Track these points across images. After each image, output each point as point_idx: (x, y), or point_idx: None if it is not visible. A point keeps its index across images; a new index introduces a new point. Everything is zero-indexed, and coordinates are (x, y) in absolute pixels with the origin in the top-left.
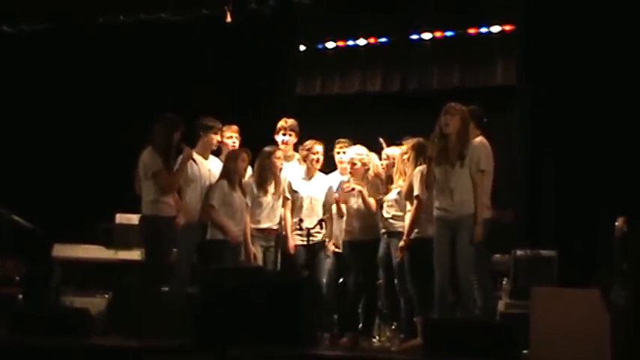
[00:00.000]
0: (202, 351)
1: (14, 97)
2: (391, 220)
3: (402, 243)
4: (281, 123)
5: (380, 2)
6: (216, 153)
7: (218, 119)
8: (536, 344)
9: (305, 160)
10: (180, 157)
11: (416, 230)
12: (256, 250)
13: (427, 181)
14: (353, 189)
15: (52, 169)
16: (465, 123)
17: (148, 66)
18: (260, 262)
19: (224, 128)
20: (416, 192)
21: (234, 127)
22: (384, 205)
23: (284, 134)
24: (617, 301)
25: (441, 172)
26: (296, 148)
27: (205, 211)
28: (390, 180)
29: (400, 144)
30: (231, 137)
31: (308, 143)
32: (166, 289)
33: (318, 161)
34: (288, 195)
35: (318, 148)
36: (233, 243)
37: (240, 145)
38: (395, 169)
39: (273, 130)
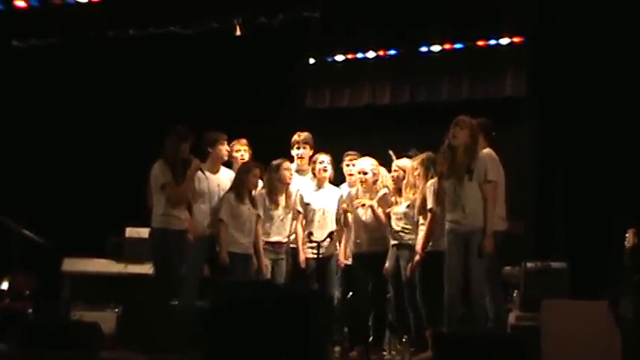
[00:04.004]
0: None
1: (24, 111)
2: (400, 233)
3: (417, 257)
4: (295, 137)
5: (389, 15)
6: (227, 166)
7: (227, 132)
8: (547, 356)
9: (314, 173)
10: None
11: (429, 243)
12: (266, 263)
13: (437, 195)
14: (364, 205)
15: (62, 183)
16: (473, 137)
17: (157, 79)
18: (269, 274)
19: (233, 142)
20: (429, 205)
21: (243, 141)
22: (393, 217)
23: (298, 148)
24: (626, 315)
25: (450, 185)
26: (310, 162)
27: (215, 225)
28: (399, 192)
29: (409, 156)
30: (239, 150)
31: (315, 156)
32: (176, 302)
33: (325, 170)
34: (300, 208)
35: (323, 157)
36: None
37: (250, 158)
38: (405, 182)
39: (284, 143)
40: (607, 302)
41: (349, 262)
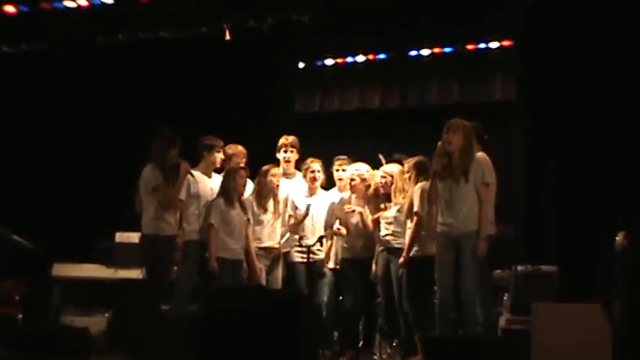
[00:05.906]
0: None
1: (13, 116)
2: (390, 238)
3: (401, 260)
4: (282, 140)
5: (378, 19)
6: (219, 171)
7: (218, 137)
8: None
9: (305, 177)
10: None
11: (416, 248)
12: (260, 267)
13: (429, 197)
14: (354, 211)
15: (52, 189)
16: (468, 139)
17: (147, 84)
18: (263, 279)
19: (229, 151)
20: (415, 208)
21: (241, 150)
22: (383, 222)
23: (285, 151)
24: (617, 316)
25: (445, 187)
26: (297, 166)
27: (205, 230)
28: (388, 197)
29: (395, 160)
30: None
31: (307, 162)
32: (167, 307)
33: (316, 179)
34: (290, 212)
35: (316, 166)
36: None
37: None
38: (393, 187)
39: (273, 148)
40: (601, 304)
41: (338, 267)
